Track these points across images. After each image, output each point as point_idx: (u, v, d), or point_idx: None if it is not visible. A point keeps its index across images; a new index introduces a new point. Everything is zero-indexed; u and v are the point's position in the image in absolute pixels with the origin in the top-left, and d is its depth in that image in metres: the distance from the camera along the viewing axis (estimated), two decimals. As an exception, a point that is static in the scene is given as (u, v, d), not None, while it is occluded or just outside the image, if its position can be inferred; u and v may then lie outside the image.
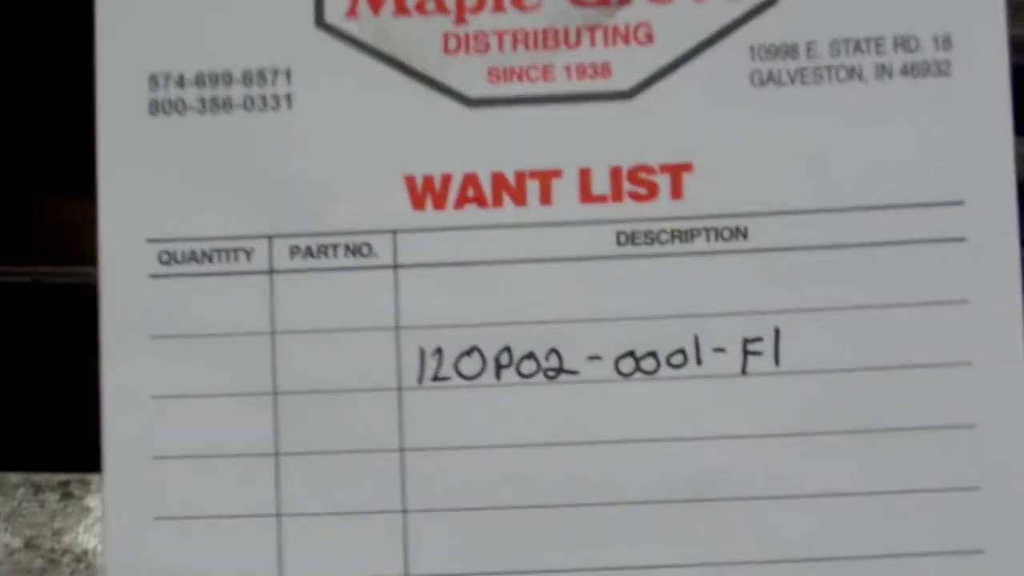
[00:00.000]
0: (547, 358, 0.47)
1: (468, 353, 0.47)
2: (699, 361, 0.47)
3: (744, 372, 0.47)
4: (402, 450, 0.47)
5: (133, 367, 0.50)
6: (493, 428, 0.47)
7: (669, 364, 0.47)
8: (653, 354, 0.47)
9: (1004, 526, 0.46)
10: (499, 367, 0.47)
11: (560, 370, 0.47)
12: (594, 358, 0.47)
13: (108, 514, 0.48)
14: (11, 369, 0.71)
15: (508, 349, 0.47)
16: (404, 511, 0.46)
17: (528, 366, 0.46)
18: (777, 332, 0.47)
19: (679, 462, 0.47)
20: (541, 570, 0.46)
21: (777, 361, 0.47)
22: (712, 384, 0.47)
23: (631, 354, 0.47)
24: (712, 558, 0.46)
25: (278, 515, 0.46)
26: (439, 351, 0.47)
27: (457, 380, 0.47)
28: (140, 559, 0.48)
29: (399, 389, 0.47)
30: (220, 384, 0.48)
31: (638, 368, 0.47)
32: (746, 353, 0.47)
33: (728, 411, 0.47)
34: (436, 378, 0.47)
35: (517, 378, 0.47)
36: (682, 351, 0.47)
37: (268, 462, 0.46)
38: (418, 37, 0.51)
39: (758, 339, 0.47)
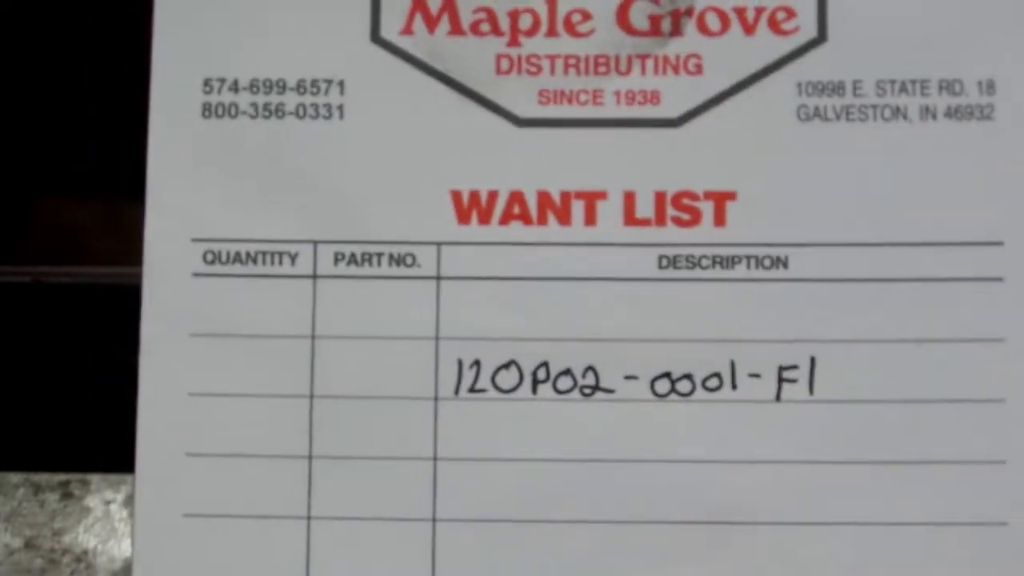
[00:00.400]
0: (584, 375, 0.47)
1: (506, 367, 0.47)
2: (734, 386, 0.47)
3: (778, 399, 0.47)
4: (435, 459, 0.47)
5: (172, 363, 0.50)
6: (526, 442, 0.47)
7: (704, 387, 0.47)
8: (689, 376, 0.47)
9: None
10: (536, 382, 0.47)
11: (596, 387, 0.47)
12: (631, 378, 0.47)
13: (139, 510, 0.48)
14: (11, 369, 0.72)
15: (546, 364, 0.47)
16: (434, 519, 0.47)
17: (564, 382, 0.47)
18: (813, 361, 0.47)
19: (710, 484, 0.47)
20: (564, 570, 0.47)
21: (812, 390, 0.47)
22: (746, 409, 0.47)
23: (667, 375, 0.47)
24: (737, 580, 0.46)
25: (308, 518, 0.46)
26: (477, 363, 0.47)
27: (493, 393, 0.47)
28: (168, 555, 0.48)
29: (435, 399, 0.47)
30: (257, 384, 0.48)
31: (674, 390, 0.47)
32: (781, 380, 0.47)
33: (761, 436, 0.48)
34: (473, 390, 0.47)
35: (553, 394, 0.47)
36: (718, 375, 0.47)
37: (301, 465, 0.46)
38: (471, 56, 0.52)
39: (794, 367, 0.47)
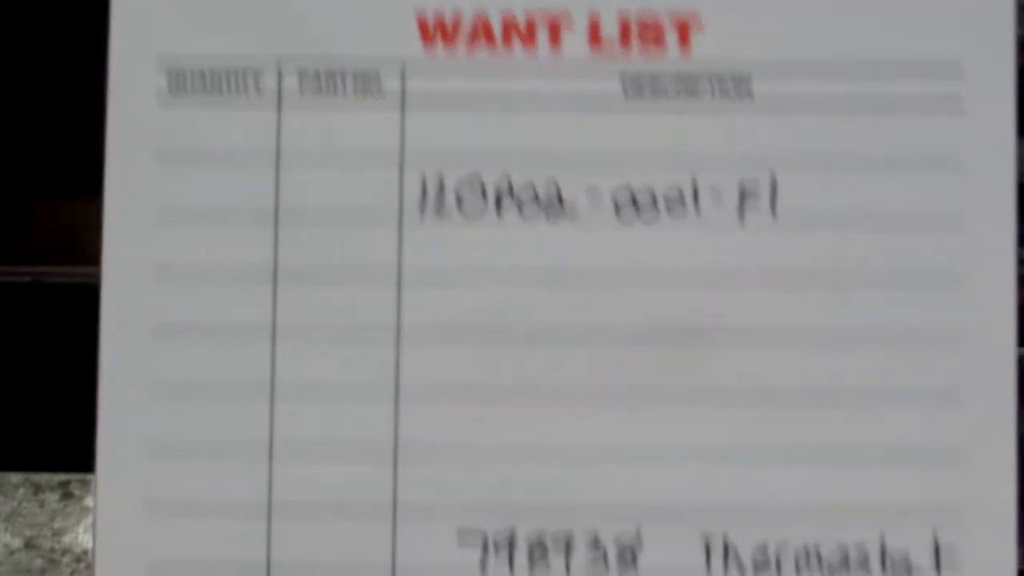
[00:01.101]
0: (546, 187, 0.48)
1: (470, 184, 0.48)
2: (697, 204, 0.48)
3: (741, 221, 0.48)
4: (399, 276, 0.47)
5: (137, 180, 0.51)
6: (489, 258, 0.48)
7: (666, 204, 0.48)
8: (651, 191, 0.48)
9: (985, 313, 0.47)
10: (499, 200, 0.48)
11: (559, 200, 0.48)
12: (592, 191, 0.48)
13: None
14: (11, 369, 0.72)
15: (509, 180, 0.48)
16: (398, 335, 0.47)
17: (527, 194, 0.48)
18: (775, 182, 0.48)
19: (670, 300, 0.48)
20: (531, 388, 0.47)
21: (774, 212, 0.48)
22: (708, 230, 0.48)
23: (628, 189, 0.48)
24: (695, 388, 0.47)
25: (273, 331, 0.46)
26: (441, 182, 0.48)
27: (456, 215, 0.48)
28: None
29: (400, 221, 0.48)
30: (222, 203, 0.49)
31: (635, 204, 0.48)
32: (743, 200, 0.48)
33: (722, 254, 0.48)
34: (437, 211, 0.48)
35: (517, 215, 0.48)
36: (680, 192, 0.48)
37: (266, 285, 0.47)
38: None
39: (756, 188, 0.48)
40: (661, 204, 0.48)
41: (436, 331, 0.47)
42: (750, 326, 0.47)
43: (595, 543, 0.45)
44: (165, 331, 0.47)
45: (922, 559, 0.46)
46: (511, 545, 0.46)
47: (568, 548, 0.46)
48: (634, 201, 0.48)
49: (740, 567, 0.45)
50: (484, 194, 0.48)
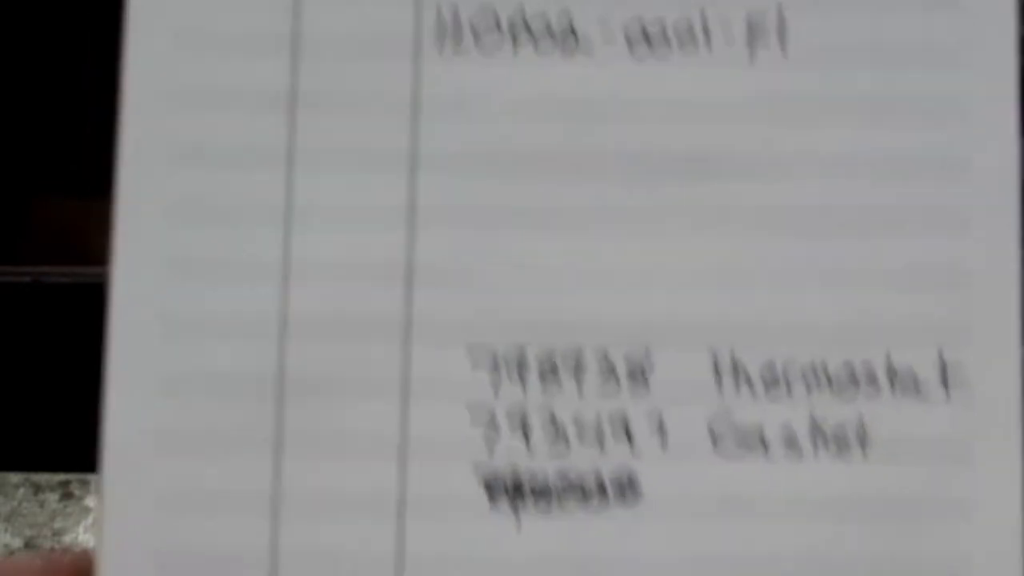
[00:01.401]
0: (559, 18, 0.49)
1: (484, 16, 0.49)
2: (709, 45, 0.49)
3: (751, 55, 0.49)
4: (416, 106, 0.49)
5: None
6: (506, 88, 0.49)
7: (679, 45, 0.49)
8: (661, 23, 0.49)
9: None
10: (514, 34, 0.49)
11: (572, 33, 0.49)
12: (603, 22, 0.49)
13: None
14: (11, 369, 0.73)
15: (523, 11, 0.49)
16: (413, 166, 0.48)
17: (539, 25, 0.49)
18: (783, 20, 0.49)
19: (683, 134, 0.49)
20: (544, 208, 0.48)
21: (783, 47, 0.49)
22: (720, 66, 0.49)
23: (639, 20, 0.49)
24: (707, 209, 0.48)
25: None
26: (456, 14, 0.49)
27: (474, 50, 0.49)
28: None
29: (416, 53, 0.49)
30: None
31: (651, 53, 0.49)
32: (752, 35, 0.49)
33: (732, 86, 0.49)
34: (454, 45, 0.49)
35: (532, 51, 0.49)
36: (689, 22, 0.49)
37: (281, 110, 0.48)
38: None
39: (763, 20, 0.49)
40: (672, 37, 0.49)
41: (452, 159, 0.48)
42: (759, 155, 0.48)
43: (605, 360, 0.46)
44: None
45: (929, 375, 0.46)
46: (521, 364, 0.46)
47: (578, 367, 0.46)
48: (645, 34, 0.49)
49: (750, 384, 0.46)
50: (499, 26, 0.49)
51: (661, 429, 0.45)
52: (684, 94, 0.47)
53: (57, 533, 0.62)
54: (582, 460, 0.45)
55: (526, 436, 0.45)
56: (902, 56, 0.48)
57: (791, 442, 0.45)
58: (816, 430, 0.45)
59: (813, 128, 0.46)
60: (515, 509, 0.44)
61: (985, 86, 0.49)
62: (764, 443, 0.45)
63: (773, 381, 0.45)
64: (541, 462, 0.45)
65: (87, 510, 0.61)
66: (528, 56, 0.48)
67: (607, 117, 0.47)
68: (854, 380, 0.45)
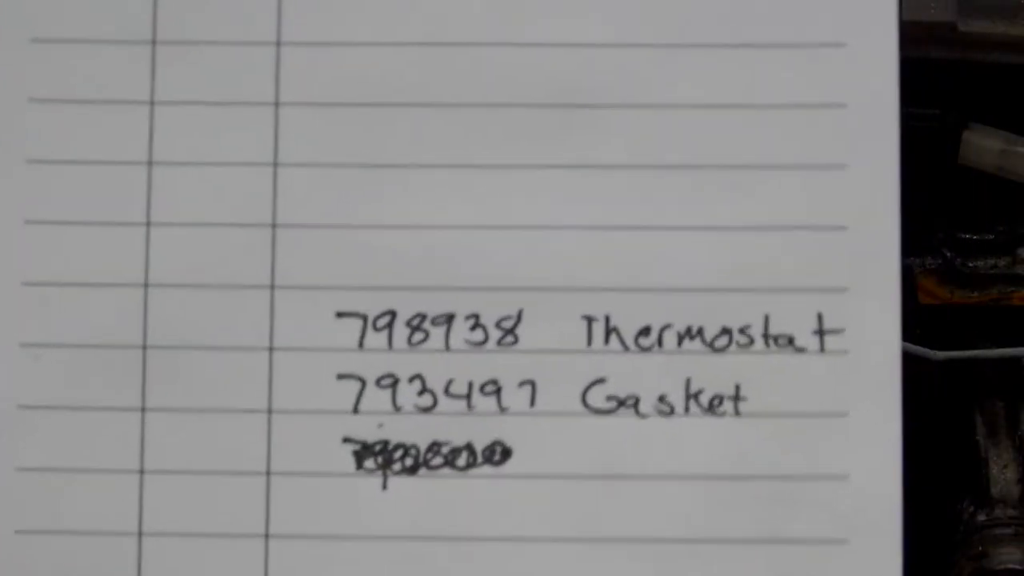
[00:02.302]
0: None
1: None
2: None
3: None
4: (279, 43, 0.47)
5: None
6: (370, 25, 0.47)
7: None
8: None
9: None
10: None
11: None
12: None
13: None
14: None
15: None
16: (277, 103, 0.46)
17: None
18: None
19: (555, 67, 0.46)
20: (411, 164, 0.46)
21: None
22: None
23: None
24: (579, 161, 0.46)
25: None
26: None
27: None
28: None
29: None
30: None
31: None
32: None
33: (606, 20, 0.47)
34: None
35: None
36: None
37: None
38: None
39: None
40: None
41: (314, 108, 0.46)
42: (629, 90, 0.46)
43: (476, 324, 0.45)
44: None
45: (804, 330, 0.45)
46: (390, 327, 0.45)
47: (448, 330, 0.45)
48: None
49: (624, 345, 0.45)
50: None
51: (532, 389, 0.44)
52: (554, 18, 0.45)
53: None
54: (450, 420, 0.44)
55: (394, 397, 0.44)
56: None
57: (663, 400, 0.44)
58: (689, 388, 0.44)
59: (690, 62, 0.44)
60: (381, 469, 0.44)
61: (864, 23, 0.46)
62: (636, 402, 0.44)
63: (648, 344, 0.44)
64: (408, 423, 0.44)
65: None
66: None
67: (475, 42, 0.45)
68: (730, 340, 0.44)
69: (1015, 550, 0.48)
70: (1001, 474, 0.49)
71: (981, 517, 0.49)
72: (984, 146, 0.50)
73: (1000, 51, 0.50)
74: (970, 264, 0.50)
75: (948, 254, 0.50)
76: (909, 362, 0.47)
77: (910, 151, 0.50)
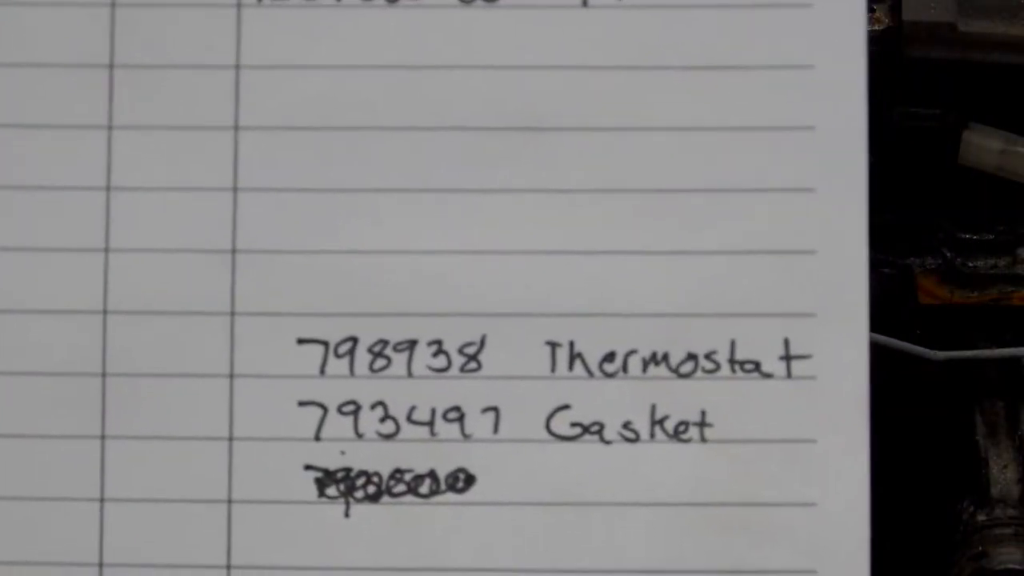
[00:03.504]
0: None
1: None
2: None
3: (585, 4, 0.46)
4: (238, 67, 0.46)
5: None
6: (331, 49, 0.46)
7: None
8: None
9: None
10: None
11: None
12: None
13: None
14: None
15: None
16: (236, 127, 0.46)
17: None
18: None
19: (517, 90, 0.46)
20: (372, 189, 0.45)
21: (619, -5, 0.46)
22: (553, 14, 0.46)
23: None
24: (540, 185, 0.45)
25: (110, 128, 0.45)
26: None
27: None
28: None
29: (239, 6, 0.46)
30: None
31: None
32: None
33: (566, 42, 0.46)
34: (274, -4, 0.46)
35: (358, 0, 0.46)
36: None
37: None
38: None
39: None
40: None
41: (273, 132, 0.46)
42: (592, 113, 0.45)
43: (439, 349, 0.44)
44: None
45: (771, 356, 0.44)
46: (352, 353, 0.45)
47: (411, 358, 0.45)
48: None
49: (588, 372, 0.44)
50: None
51: (495, 416, 0.44)
52: (515, 41, 0.44)
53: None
54: (413, 447, 0.44)
55: (356, 424, 0.44)
56: (746, 11, 0.44)
57: (628, 426, 0.43)
58: (654, 414, 0.43)
59: (650, 82, 0.43)
60: (344, 496, 0.44)
61: (832, 45, 0.45)
62: (601, 428, 0.43)
63: (612, 370, 0.44)
64: (371, 450, 0.44)
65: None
66: (351, 1, 0.45)
67: (435, 66, 0.44)
68: (695, 365, 0.44)
69: (1015, 550, 0.47)
70: (1001, 474, 0.49)
71: (981, 517, 0.49)
72: (984, 146, 0.50)
73: (1000, 51, 0.49)
74: (970, 264, 0.49)
75: (948, 254, 0.49)
76: (909, 362, 0.47)
77: (910, 151, 0.49)
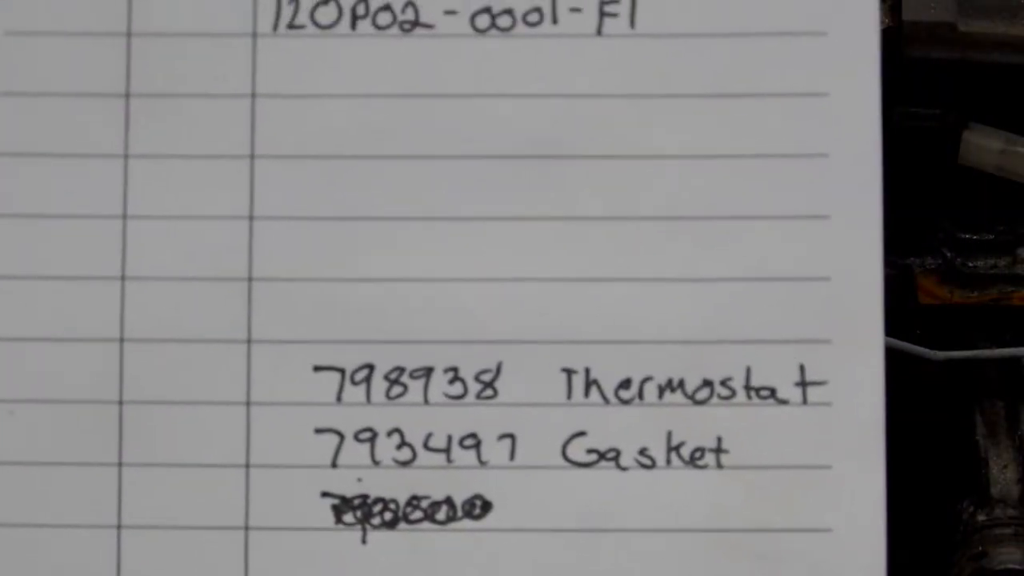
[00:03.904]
0: (403, 11, 0.46)
1: (324, 2, 0.46)
2: (555, 20, 0.46)
3: (599, 33, 0.46)
4: (254, 96, 0.46)
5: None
6: (346, 78, 0.46)
7: (525, 22, 0.46)
8: (509, 11, 0.46)
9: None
10: (355, 17, 0.46)
11: (416, 23, 0.46)
12: (450, 12, 0.46)
13: None
14: None
15: (365, 0, 0.46)
16: (252, 156, 0.46)
17: (384, 18, 0.46)
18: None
19: (531, 118, 0.46)
20: (387, 217, 0.46)
21: (633, 23, 0.46)
22: (567, 43, 0.46)
23: (488, 10, 0.46)
24: (556, 213, 0.45)
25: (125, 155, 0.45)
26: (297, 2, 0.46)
27: (312, 29, 0.46)
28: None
29: (254, 35, 0.46)
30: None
31: (494, 25, 0.46)
32: (602, 14, 0.46)
33: (580, 71, 0.46)
34: (291, 25, 0.46)
35: (372, 29, 0.46)
36: (538, 9, 0.46)
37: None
38: None
39: (614, 1, 0.46)
40: (519, 20, 0.46)
41: (290, 160, 0.46)
42: (607, 142, 0.46)
43: (455, 376, 0.45)
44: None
45: (787, 382, 0.44)
46: (368, 380, 0.45)
47: (427, 384, 0.45)
48: (493, 21, 0.46)
49: (604, 398, 0.44)
50: (340, 12, 0.46)
51: (512, 443, 0.44)
52: (530, 70, 0.44)
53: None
54: (429, 474, 0.44)
55: (372, 451, 0.44)
56: (760, 39, 0.44)
57: (644, 452, 0.43)
58: (670, 440, 0.44)
59: (666, 112, 0.43)
60: (361, 523, 0.44)
61: (846, 73, 0.46)
62: (617, 455, 0.44)
63: (628, 397, 0.44)
64: (387, 477, 0.44)
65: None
66: (367, 31, 0.45)
67: (449, 95, 0.44)
68: (711, 392, 0.44)
69: (1015, 550, 0.47)
70: (1001, 474, 0.49)
71: (981, 517, 0.48)
72: (984, 146, 0.50)
73: (1000, 51, 0.49)
74: (970, 264, 0.49)
75: (948, 254, 0.49)
76: (909, 362, 0.47)
77: (910, 151, 0.49)
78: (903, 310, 0.50)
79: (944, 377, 0.50)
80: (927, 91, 0.50)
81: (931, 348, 0.48)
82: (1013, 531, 0.49)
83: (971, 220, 0.51)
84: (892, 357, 0.47)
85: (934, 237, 0.51)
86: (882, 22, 0.49)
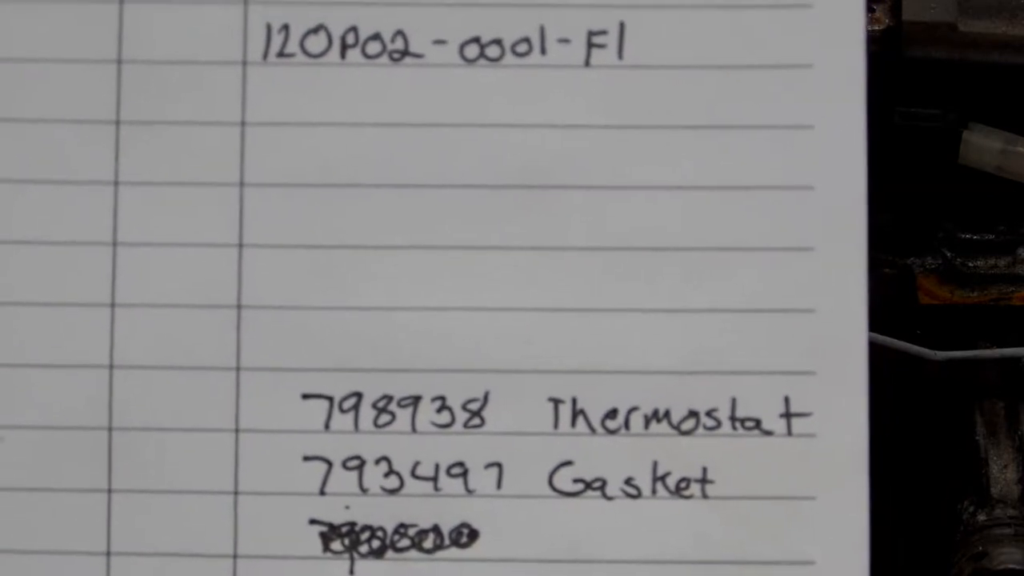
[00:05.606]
0: (393, 40, 0.46)
1: (314, 31, 0.46)
2: (544, 51, 0.46)
3: (588, 64, 0.46)
4: (243, 124, 0.46)
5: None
6: (335, 107, 0.46)
7: (514, 52, 0.46)
8: (499, 41, 0.46)
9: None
10: (344, 47, 0.46)
11: (405, 52, 0.46)
12: (440, 42, 0.46)
13: None
14: None
15: (355, 29, 0.46)
16: (241, 184, 0.46)
17: (373, 47, 0.46)
18: (622, 26, 0.46)
19: (517, 148, 0.46)
20: (375, 246, 0.46)
21: (621, 54, 0.46)
22: (555, 74, 0.46)
23: (477, 40, 0.46)
24: (543, 243, 0.45)
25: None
26: (286, 28, 0.46)
27: (302, 57, 0.46)
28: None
29: (244, 64, 0.46)
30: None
31: (483, 55, 0.46)
32: (590, 45, 0.46)
33: (568, 101, 0.46)
34: (281, 54, 0.46)
35: (362, 58, 0.46)
36: (527, 40, 0.46)
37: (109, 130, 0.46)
38: None
39: (603, 32, 0.46)
40: (508, 49, 0.46)
41: (279, 184, 0.46)
42: (595, 171, 0.46)
43: (443, 405, 0.45)
44: None
45: (772, 413, 0.45)
46: (356, 408, 0.45)
47: (415, 408, 0.45)
48: (482, 51, 0.46)
49: (591, 428, 0.44)
50: (330, 41, 0.46)
51: (499, 471, 0.44)
52: (518, 100, 0.44)
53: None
54: (417, 502, 0.44)
55: (360, 479, 0.44)
56: (747, 71, 0.44)
57: (630, 482, 0.44)
58: (656, 470, 0.44)
59: (653, 141, 0.43)
60: (348, 551, 0.44)
61: (832, 107, 0.46)
62: (603, 484, 0.44)
63: (614, 426, 0.44)
64: (375, 504, 0.44)
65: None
66: (357, 60, 0.45)
67: (438, 124, 0.44)
68: (697, 423, 0.44)
69: (1015, 550, 0.48)
70: (1001, 474, 0.49)
71: (981, 517, 0.49)
72: (984, 146, 0.50)
73: (1000, 51, 0.49)
74: (970, 264, 0.49)
75: (948, 254, 0.49)
76: (909, 362, 0.47)
77: (910, 151, 0.50)
78: (903, 310, 0.50)
79: (944, 377, 0.50)
80: (927, 91, 0.50)
81: (931, 348, 0.49)
82: (1013, 531, 0.49)
83: (971, 220, 0.51)
84: (892, 357, 0.47)
85: (934, 237, 0.51)
86: (882, 22, 0.49)
